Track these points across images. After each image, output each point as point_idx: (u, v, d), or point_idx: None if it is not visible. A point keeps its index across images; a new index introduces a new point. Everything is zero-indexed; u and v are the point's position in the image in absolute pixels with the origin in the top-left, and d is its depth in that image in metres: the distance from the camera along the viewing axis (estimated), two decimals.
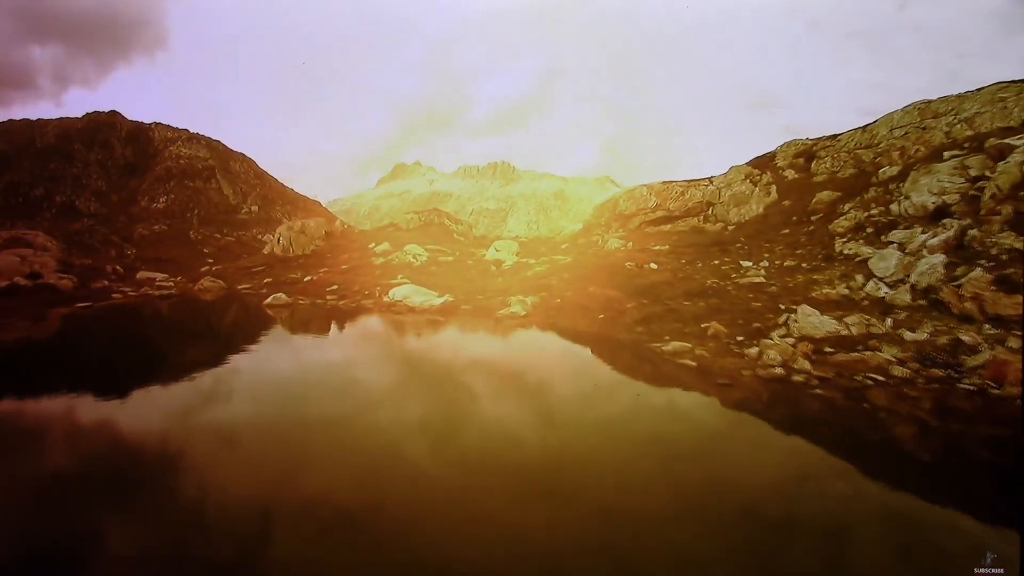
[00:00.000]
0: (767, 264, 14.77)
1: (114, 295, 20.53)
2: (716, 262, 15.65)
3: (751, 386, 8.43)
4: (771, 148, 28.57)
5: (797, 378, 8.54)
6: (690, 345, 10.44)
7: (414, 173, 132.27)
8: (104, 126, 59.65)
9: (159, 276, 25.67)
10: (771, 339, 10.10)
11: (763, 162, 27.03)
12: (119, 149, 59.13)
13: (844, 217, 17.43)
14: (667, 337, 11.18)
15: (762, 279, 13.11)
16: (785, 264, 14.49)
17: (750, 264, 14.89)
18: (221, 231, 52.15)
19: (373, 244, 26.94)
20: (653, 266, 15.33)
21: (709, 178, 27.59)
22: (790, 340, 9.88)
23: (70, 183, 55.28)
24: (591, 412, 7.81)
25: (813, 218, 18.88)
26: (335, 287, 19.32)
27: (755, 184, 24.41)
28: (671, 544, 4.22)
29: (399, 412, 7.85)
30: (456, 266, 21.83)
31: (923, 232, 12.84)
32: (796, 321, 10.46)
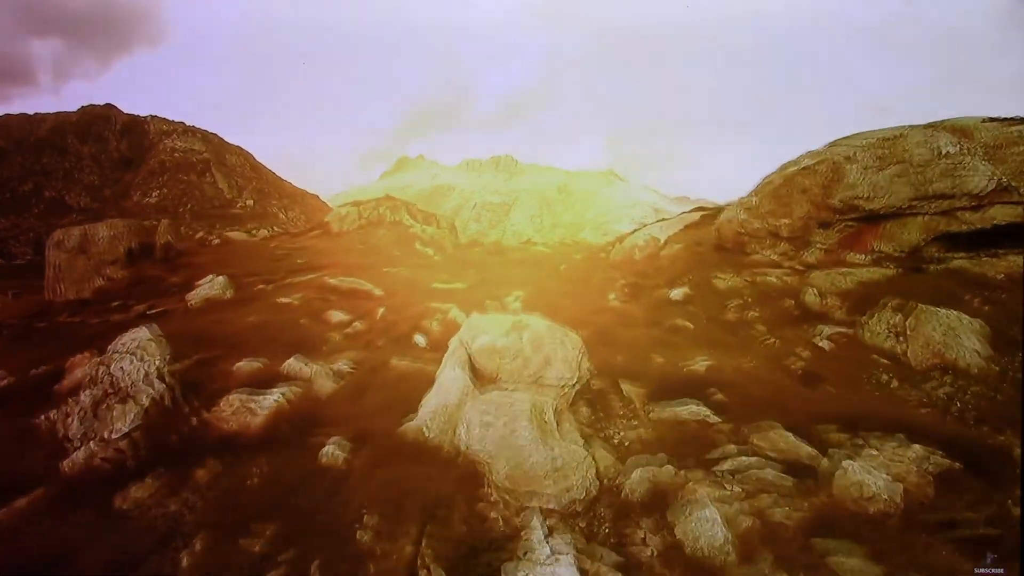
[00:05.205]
0: None
1: None
2: None
3: None
4: (777, 147, 17.93)
5: None
6: None
7: (417, 167, 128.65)
8: (99, 119, 57.49)
9: None
10: None
11: None
12: (114, 142, 56.78)
13: None
14: None
15: None
16: None
17: None
18: (214, 227, 48.99)
19: (210, 278, 13.25)
20: None
21: None
22: None
23: (61, 177, 53.16)
24: None
25: None
26: None
27: None
28: None
29: None
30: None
31: None
32: None
